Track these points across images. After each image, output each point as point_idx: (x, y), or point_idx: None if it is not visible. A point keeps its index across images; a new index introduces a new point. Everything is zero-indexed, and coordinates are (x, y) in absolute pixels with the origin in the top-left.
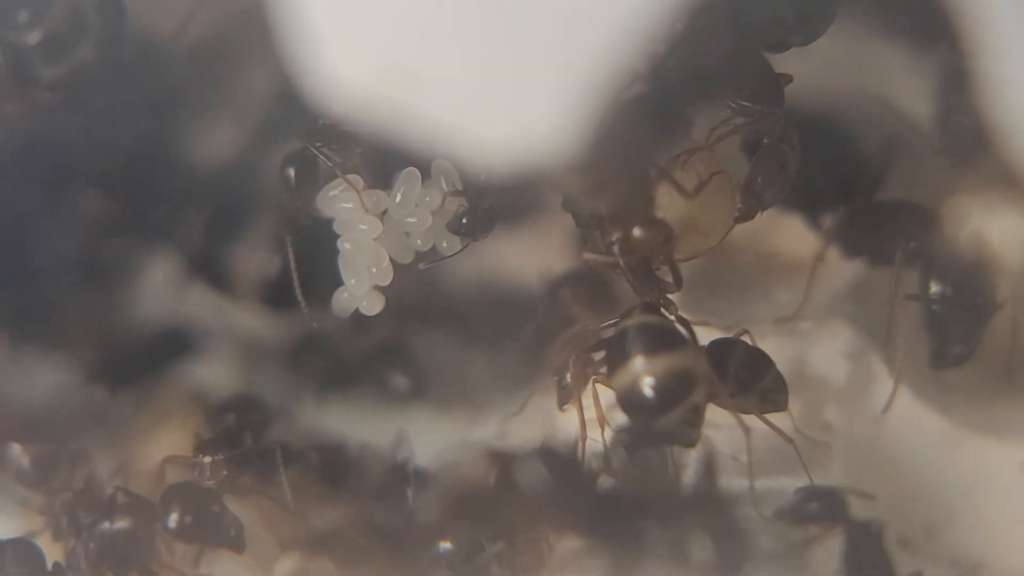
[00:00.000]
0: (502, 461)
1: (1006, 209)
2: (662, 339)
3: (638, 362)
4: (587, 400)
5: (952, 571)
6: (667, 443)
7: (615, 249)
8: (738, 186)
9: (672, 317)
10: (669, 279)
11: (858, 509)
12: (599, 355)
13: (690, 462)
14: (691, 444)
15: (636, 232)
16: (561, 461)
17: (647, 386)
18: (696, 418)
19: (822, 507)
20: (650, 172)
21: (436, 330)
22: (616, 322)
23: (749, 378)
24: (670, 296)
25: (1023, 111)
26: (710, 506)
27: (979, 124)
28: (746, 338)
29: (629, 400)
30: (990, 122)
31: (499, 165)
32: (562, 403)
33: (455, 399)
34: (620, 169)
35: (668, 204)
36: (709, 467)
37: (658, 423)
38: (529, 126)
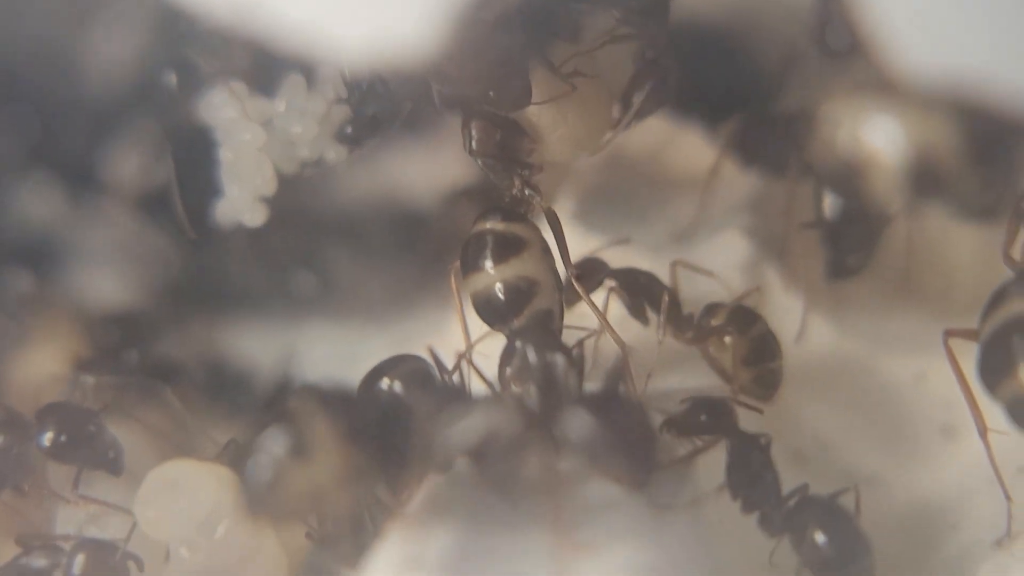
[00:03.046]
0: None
1: (879, 111)
2: (504, 246)
3: (485, 268)
4: None
5: (844, 482)
6: (531, 347)
7: (472, 144)
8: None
9: (529, 209)
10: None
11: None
12: None
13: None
14: (552, 348)
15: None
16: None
17: (495, 292)
18: (547, 321)
19: (710, 418)
20: (527, 67)
21: (332, 244)
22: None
23: (754, 360)
24: (535, 182)
25: (895, 17)
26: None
27: (854, 31)
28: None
29: (478, 306)
30: (864, 29)
31: (361, 65)
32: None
33: (350, 312)
34: (495, 61)
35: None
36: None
37: (510, 327)
38: (395, 23)
